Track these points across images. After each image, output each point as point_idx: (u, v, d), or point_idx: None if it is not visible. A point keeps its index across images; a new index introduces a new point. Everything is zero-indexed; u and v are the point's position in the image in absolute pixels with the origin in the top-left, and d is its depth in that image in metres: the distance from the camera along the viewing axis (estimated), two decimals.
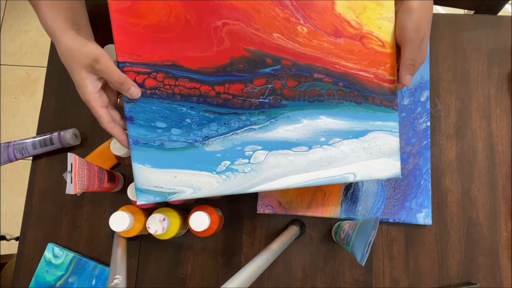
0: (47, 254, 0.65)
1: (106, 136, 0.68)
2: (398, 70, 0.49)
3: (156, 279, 0.64)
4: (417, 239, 0.64)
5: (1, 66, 1.58)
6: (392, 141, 0.50)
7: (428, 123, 0.65)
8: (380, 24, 0.47)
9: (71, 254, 0.64)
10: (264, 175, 0.49)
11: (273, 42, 0.46)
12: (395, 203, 0.64)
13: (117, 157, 0.61)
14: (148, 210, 0.61)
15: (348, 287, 0.63)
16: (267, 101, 0.48)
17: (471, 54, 0.69)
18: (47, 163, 0.68)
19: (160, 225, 0.54)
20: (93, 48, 0.44)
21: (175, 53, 0.45)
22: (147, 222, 0.54)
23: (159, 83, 0.46)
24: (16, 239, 1.12)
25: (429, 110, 0.66)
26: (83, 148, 0.68)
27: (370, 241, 0.48)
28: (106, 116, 0.46)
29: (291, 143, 0.49)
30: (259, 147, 0.48)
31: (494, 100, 0.67)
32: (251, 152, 0.48)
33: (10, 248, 1.26)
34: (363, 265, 0.56)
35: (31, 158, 0.68)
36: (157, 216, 0.55)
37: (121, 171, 0.67)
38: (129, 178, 0.67)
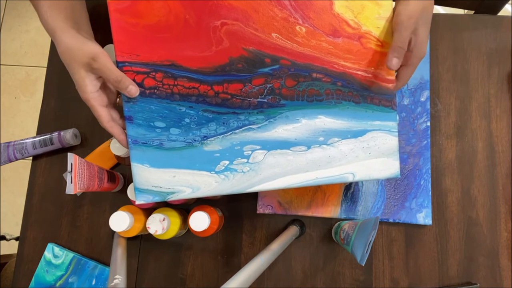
0: (47, 254, 0.65)
1: (106, 136, 0.68)
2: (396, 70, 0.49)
3: (156, 279, 0.64)
4: (417, 239, 0.64)
5: (1, 66, 1.58)
6: (391, 141, 0.50)
7: (428, 123, 0.65)
8: (378, 24, 0.47)
9: (71, 254, 0.64)
10: (263, 175, 0.49)
11: (272, 42, 0.46)
12: (395, 203, 0.64)
13: (117, 157, 0.61)
14: (148, 210, 0.61)
15: (348, 287, 0.63)
16: (265, 100, 0.48)
17: (471, 54, 0.69)
18: (47, 163, 0.68)
19: (160, 225, 0.54)
20: (92, 46, 0.44)
21: (174, 52, 0.45)
22: (147, 222, 0.54)
23: (158, 83, 0.46)
24: (16, 239, 1.12)
25: (429, 110, 0.66)
26: (83, 148, 0.68)
27: (370, 241, 0.48)
28: (105, 115, 0.47)
29: (289, 143, 0.49)
30: (258, 147, 0.48)
31: (494, 100, 0.67)
32: (250, 152, 0.48)
33: (10, 248, 1.26)
34: (363, 265, 0.56)
35: (31, 158, 0.68)
36: (157, 216, 0.55)
37: (121, 171, 0.67)
38: (129, 178, 0.67)
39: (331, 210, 0.64)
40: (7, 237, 1.17)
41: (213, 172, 0.48)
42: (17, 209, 1.48)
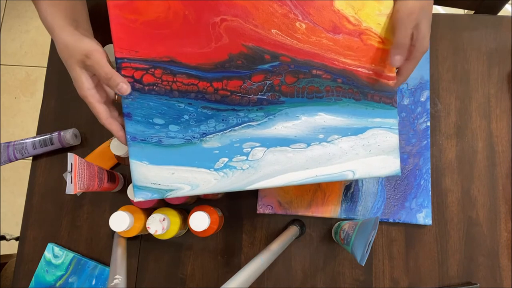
0: (47, 254, 0.65)
1: (106, 136, 0.68)
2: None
3: (156, 279, 0.64)
4: (417, 239, 0.64)
5: (1, 66, 1.58)
6: (391, 138, 0.50)
7: (428, 123, 0.65)
8: (379, 20, 0.47)
9: (71, 254, 0.64)
10: (263, 172, 0.48)
11: (272, 39, 0.46)
12: (395, 203, 0.64)
13: (117, 157, 0.61)
14: (148, 210, 0.61)
15: (348, 287, 0.63)
16: (265, 97, 0.47)
17: (471, 54, 0.69)
18: (47, 163, 0.68)
19: (160, 225, 0.54)
20: (88, 43, 0.44)
21: (173, 49, 0.45)
22: (147, 222, 0.54)
23: (157, 79, 0.46)
24: (16, 239, 1.12)
25: (429, 110, 0.66)
26: (83, 148, 0.68)
27: (370, 241, 0.48)
28: (103, 112, 0.46)
29: (289, 140, 0.48)
30: (257, 144, 0.48)
31: (494, 100, 0.67)
32: (249, 149, 0.48)
33: (10, 248, 1.26)
34: (363, 265, 0.56)
35: (31, 158, 0.68)
36: (157, 216, 0.55)
37: (121, 171, 0.67)
38: (129, 178, 0.67)
39: (331, 210, 0.64)
40: (7, 237, 1.17)
41: (212, 169, 0.48)
42: (17, 209, 1.48)
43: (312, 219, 0.65)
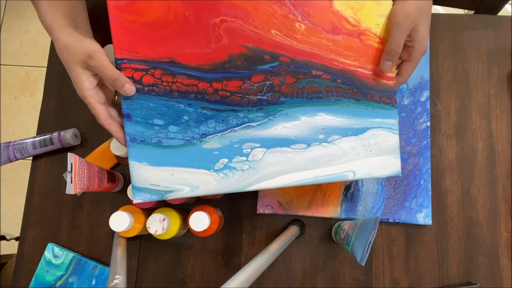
0: (47, 254, 0.65)
1: (106, 136, 0.68)
2: (397, 66, 0.49)
3: (156, 279, 0.64)
4: (417, 239, 0.64)
5: (1, 66, 1.58)
6: (391, 139, 0.50)
7: (428, 123, 0.65)
8: (378, 21, 0.47)
9: (71, 254, 0.64)
10: (263, 173, 0.48)
11: (271, 39, 0.46)
12: (395, 203, 0.64)
13: (117, 157, 0.61)
14: (148, 210, 0.61)
15: (348, 287, 0.63)
16: (265, 98, 0.47)
17: (471, 54, 0.69)
18: (47, 163, 0.68)
19: (160, 225, 0.54)
20: (89, 44, 0.44)
21: (173, 50, 0.45)
22: (147, 222, 0.54)
23: (157, 80, 0.46)
24: (16, 239, 1.12)
25: (429, 110, 0.66)
26: (83, 148, 0.68)
27: (370, 241, 0.48)
28: (103, 112, 0.46)
29: (289, 141, 0.48)
30: (257, 145, 0.48)
31: (494, 100, 0.67)
32: (249, 150, 0.48)
33: (10, 248, 1.26)
34: (363, 265, 0.56)
35: (31, 158, 0.68)
36: (157, 216, 0.55)
37: (121, 171, 0.67)
38: (129, 178, 0.67)
39: (331, 210, 0.64)
40: (7, 237, 1.17)
41: (212, 170, 0.48)
42: (17, 209, 1.48)
43: (312, 219, 0.65)
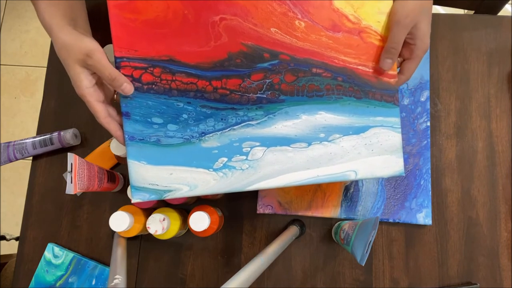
0: (47, 254, 0.65)
1: (106, 136, 0.67)
2: (399, 64, 0.49)
3: (156, 279, 0.64)
4: (417, 239, 0.64)
5: (1, 66, 1.58)
6: (394, 137, 0.49)
7: (428, 123, 0.65)
8: (378, 18, 0.47)
9: (71, 254, 0.64)
10: (263, 172, 0.48)
11: (271, 37, 0.46)
12: (395, 203, 0.64)
13: (117, 157, 0.61)
14: (148, 210, 0.60)
15: (348, 287, 0.63)
16: (265, 96, 0.47)
17: (471, 54, 0.69)
18: (47, 163, 0.68)
19: (160, 225, 0.54)
20: (88, 43, 0.44)
21: (173, 48, 0.45)
22: (147, 222, 0.54)
23: (156, 78, 0.46)
24: (16, 239, 1.12)
25: (429, 110, 0.66)
26: (83, 148, 0.68)
27: (370, 241, 0.48)
28: (102, 111, 0.46)
29: (289, 139, 0.48)
30: (257, 143, 0.48)
31: (494, 100, 0.67)
32: (249, 149, 0.47)
33: (10, 248, 1.26)
34: (363, 265, 0.56)
35: (31, 158, 0.68)
36: (157, 216, 0.55)
37: (121, 171, 0.67)
38: (129, 178, 0.67)
39: (331, 210, 0.64)
40: (7, 237, 1.17)
41: (211, 170, 0.47)
42: (17, 209, 1.48)
43: (312, 219, 0.65)
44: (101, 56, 0.44)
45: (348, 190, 0.64)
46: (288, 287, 0.63)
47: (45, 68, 0.71)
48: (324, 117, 0.48)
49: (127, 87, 0.45)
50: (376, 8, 0.46)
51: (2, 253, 1.01)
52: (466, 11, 0.87)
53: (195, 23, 0.45)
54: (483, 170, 0.65)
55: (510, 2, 1.08)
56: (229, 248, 0.65)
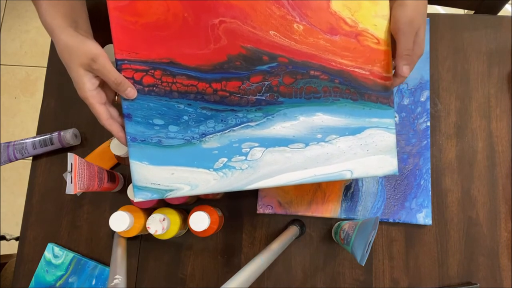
0: (47, 254, 0.65)
1: (106, 136, 0.68)
2: (394, 66, 0.49)
3: (156, 279, 0.64)
4: (417, 239, 0.64)
5: (1, 66, 1.58)
6: (388, 138, 0.50)
7: (428, 123, 0.65)
8: (375, 21, 0.47)
9: (71, 254, 0.64)
10: (261, 172, 0.49)
11: (270, 40, 0.46)
12: (395, 203, 0.64)
13: (117, 157, 0.61)
14: (148, 210, 0.61)
15: (348, 287, 0.63)
16: (263, 98, 0.48)
17: (471, 54, 0.69)
18: (47, 163, 0.68)
19: (160, 225, 0.54)
20: (92, 46, 0.44)
21: (173, 50, 0.46)
22: (147, 222, 0.54)
23: (157, 81, 0.46)
24: (16, 239, 1.12)
25: (429, 110, 0.66)
26: (83, 148, 0.68)
27: (370, 241, 0.48)
28: (104, 113, 0.47)
29: (288, 140, 0.49)
30: (256, 144, 0.48)
31: (494, 100, 0.67)
32: (248, 149, 0.48)
33: (10, 248, 1.26)
34: (363, 265, 0.56)
35: (31, 158, 0.68)
36: (157, 216, 0.55)
37: (121, 171, 0.67)
38: (129, 178, 0.67)
39: (331, 210, 0.64)
40: (7, 237, 1.17)
41: (212, 170, 0.48)
42: (17, 209, 1.48)
43: (312, 219, 0.65)
44: (105, 60, 0.44)
45: (348, 190, 0.64)
46: (288, 287, 0.63)
47: (45, 68, 0.71)
48: (321, 118, 0.49)
49: (131, 92, 0.45)
50: (373, 12, 0.47)
51: (2, 253, 1.01)
52: (466, 11, 0.87)
53: (195, 26, 0.45)
54: (483, 170, 0.65)
55: (510, 2, 1.08)
56: (229, 248, 0.65)
